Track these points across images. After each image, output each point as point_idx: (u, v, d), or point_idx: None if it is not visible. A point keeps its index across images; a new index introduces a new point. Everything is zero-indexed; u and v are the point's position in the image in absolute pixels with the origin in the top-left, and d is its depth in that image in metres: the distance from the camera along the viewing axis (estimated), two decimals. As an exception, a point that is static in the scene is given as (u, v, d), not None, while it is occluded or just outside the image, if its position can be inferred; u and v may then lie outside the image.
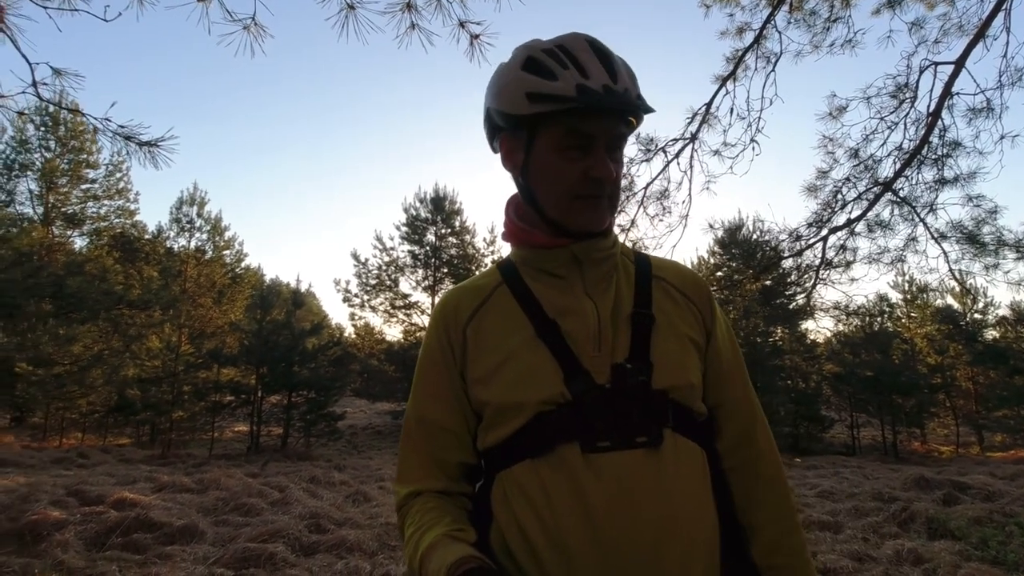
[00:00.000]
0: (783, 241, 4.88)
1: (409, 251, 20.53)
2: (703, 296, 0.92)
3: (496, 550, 0.80)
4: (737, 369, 0.92)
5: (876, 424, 16.08)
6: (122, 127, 2.03)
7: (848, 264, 4.81)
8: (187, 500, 5.79)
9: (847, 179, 4.68)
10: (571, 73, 0.80)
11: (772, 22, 4.39)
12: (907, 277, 18.30)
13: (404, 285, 20.56)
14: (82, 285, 12.41)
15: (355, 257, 20.63)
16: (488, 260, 20.52)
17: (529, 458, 0.79)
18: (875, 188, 4.53)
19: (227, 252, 20.66)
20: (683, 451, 0.80)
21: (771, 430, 0.93)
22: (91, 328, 12.59)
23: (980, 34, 4.03)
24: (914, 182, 4.47)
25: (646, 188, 4.60)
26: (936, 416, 17.01)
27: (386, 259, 20.59)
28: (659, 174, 4.61)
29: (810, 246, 4.77)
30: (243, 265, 21.95)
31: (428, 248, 20.37)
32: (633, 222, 4.67)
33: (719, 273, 16.98)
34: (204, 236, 19.08)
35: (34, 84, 1.95)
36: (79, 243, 17.76)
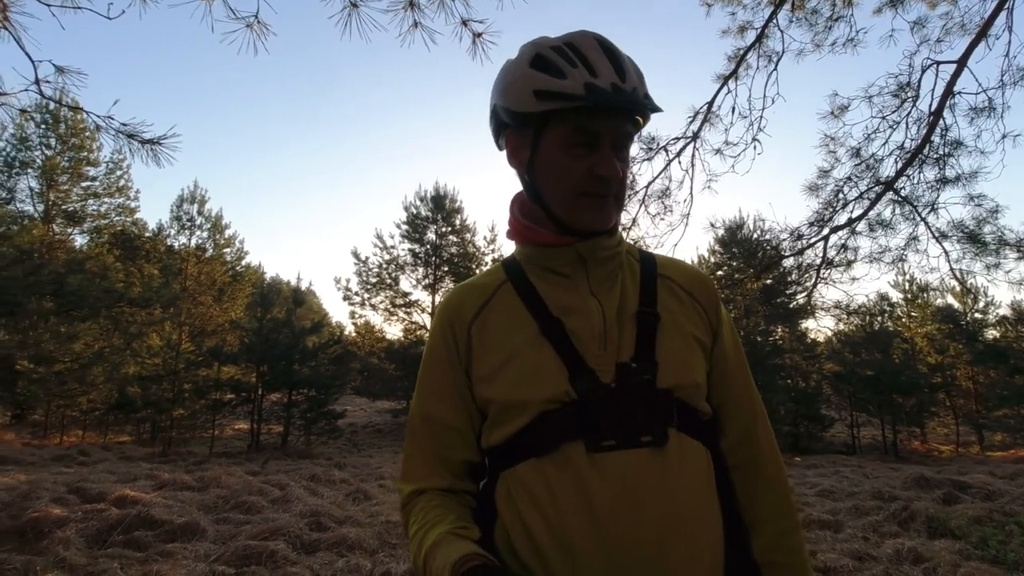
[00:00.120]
0: (784, 240, 4.88)
1: (409, 249, 20.54)
2: (709, 295, 0.92)
3: (500, 548, 0.80)
4: (740, 369, 0.93)
5: (876, 423, 16.09)
6: (124, 125, 2.03)
7: (849, 263, 4.81)
8: (188, 498, 5.80)
9: (848, 178, 4.68)
10: (580, 71, 0.79)
11: (774, 21, 4.38)
12: (908, 276, 18.30)
13: (404, 283, 20.61)
14: (83, 283, 12.41)
15: (355, 255, 20.66)
16: (488, 258, 20.52)
17: (534, 456, 0.79)
18: (876, 187, 4.53)
19: (228, 250, 20.69)
20: (687, 450, 0.80)
21: (772, 429, 0.94)
22: (92, 326, 12.61)
23: (982, 33, 4.02)
24: (915, 181, 4.47)
25: (647, 187, 4.60)
26: (936, 415, 17.03)
27: (386, 257, 20.61)
28: (660, 173, 4.61)
29: (811, 245, 4.77)
30: (243, 263, 21.98)
31: (428, 246, 20.36)
32: (634, 221, 4.67)
33: (720, 272, 16.99)
34: (205, 234, 19.12)
35: (37, 82, 1.95)
36: (79, 241, 17.79)
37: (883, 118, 4.55)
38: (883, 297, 18.01)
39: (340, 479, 7.60)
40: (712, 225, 5.77)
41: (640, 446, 0.77)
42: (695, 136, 4.57)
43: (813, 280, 4.88)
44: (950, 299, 17.28)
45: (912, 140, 4.44)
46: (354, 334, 22.23)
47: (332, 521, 5.16)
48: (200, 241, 18.93)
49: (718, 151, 4.60)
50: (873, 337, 16.45)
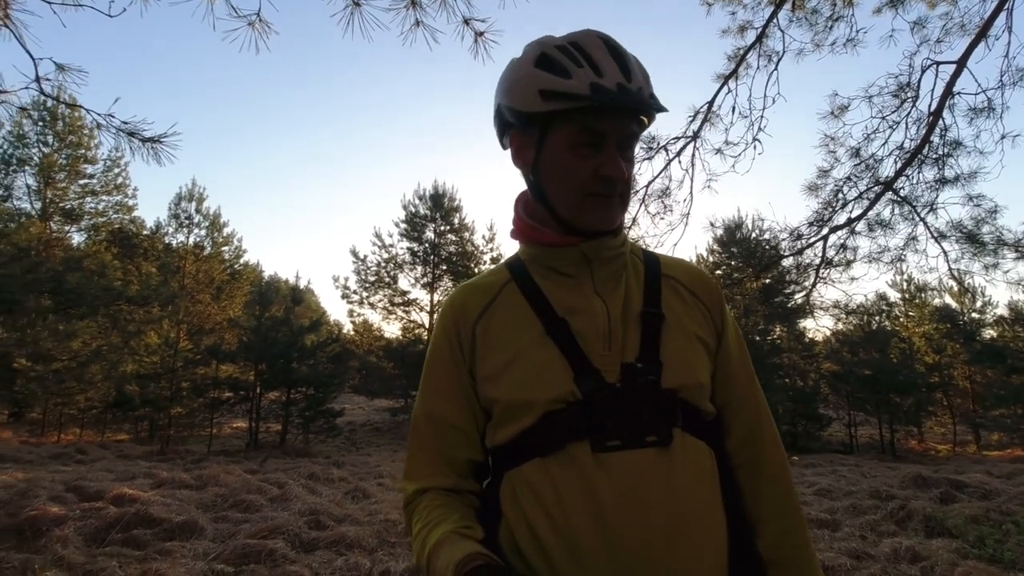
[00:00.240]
0: (784, 240, 4.89)
1: (408, 248, 20.51)
2: (713, 296, 0.93)
3: (506, 548, 0.80)
4: (744, 369, 0.93)
5: (874, 422, 16.12)
6: (125, 123, 2.02)
7: (848, 263, 4.82)
8: (186, 496, 5.79)
9: (848, 178, 4.68)
10: (585, 71, 0.79)
11: (775, 20, 4.38)
12: (906, 276, 18.33)
13: (403, 282, 20.58)
14: (81, 281, 12.39)
15: (354, 254, 20.62)
16: (487, 257, 20.50)
17: (539, 456, 0.79)
18: (876, 187, 4.53)
19: (226, 248, 20.62)
20: (692, 450, 0.80)
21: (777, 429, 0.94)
22: (90, 324, 12.58)
23: (982, 34, 4.03)
24: (915, 181, 4.48)
25: (647, 186, 4.60)
26: (933, 415, 17.07)
27: (385, 256, 20.58)
28: (660, 172, 4.61)
29: (810, 245, 4.78)
30: (242, 261, 21.92)
31: (427, 245, 20.34)
32: (634, 220, 4.67)
33: (719, 272, 17.01)
34: (203, 232, 19.03)
35: (37, 79, 1.94)
36: (77, 239, 17.74)
37: (883, 118, 4.56)
38: (881, 297, 18.06)
39: (339, 477, 7.60)
40: (712, 225, 5.78)
41: (645, 446, 0.77)
42: (695, 136, 4.57)
43: (812, 280, 4.89)
44: (948, 299, 17.34)
45: (912, 140, 4.45)
46: (352, 333, 22.19)
47: (331, 520, 5.17)
48: (198, 239, 18.87)
49: (718, 151, 4.61)
50: (871, 337, 16.48)
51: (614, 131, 0.81)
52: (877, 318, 17.42)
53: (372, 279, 20.52)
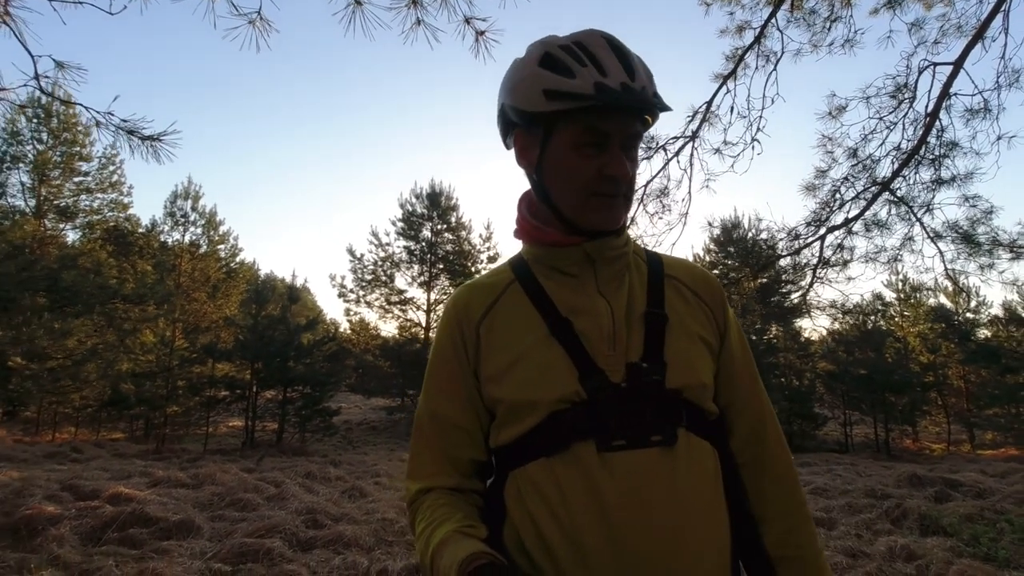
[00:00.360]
0: (781, 239, 4.91)
1: (405, 247, 20.49)
2: (715, 296, 0.93)
3: (510, 547, 0.80)
4: (747, 369, 0.93)
5: (869, 422, 16.19)
6: (125, 121, 2.01)
7: (845, 263, 4.84)
8: (183, 495, 5.77)
9: (846, 178, 4.70)
10: (589, 71, 0.79)
11: (773, 21, 4.39)
12: (901, 276, 18.40)
13: (400, 281, 20.56)
14: (77, 279, 12.31)
15: (351, 252, 20.58)
16: (484, 256, 20.49)
17: (543, 456, 0.79)
18: (873, 188, 4.56)
19: (222, 246, 20.53)
20: (696, 450, 0.80)
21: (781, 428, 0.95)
22: (85, 322, 12.50)
23: (979, 35, 4.05)
24: (911, 182, 4.51)
25: (646, 186, 4.61)
26: (928, 414, 17.14)
27: (382, 254, 20.55)
28: (659, 172, 4.62)
29: (808, 245, 4.80)
30: (238, 260, 21.85)
31: (424, 244, 20.32)
32: (632, 219, 4.68)
33: (715, 271, 17.04)
34: (199, 230, 18.95)
35: (36, 77, 1.93)
36: (71, 236, 17.63)
37: (880, 119, 4.58)
38: (877, 296, 18.13)
39: (335, 476, 7.59)
40: (710, 224, 5.79)
41: (650, 446, 0.77)
42: (694, 136, 4.58)
43: (809, 280, 4.91)
44: (943, 299, 17.43)
45: (909, 141, 4.47)
46: (349, 331, 22.17)
47: (328, 518, 5.16)
48: (194, 237, 18.79)
49: (717, 151, 4.62)
50: (866, 336, 16.54)
51: (618, 130, 0.81)
52: (873, 318, 17.49)
53: (369, 278, 20.49)
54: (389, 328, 23.37)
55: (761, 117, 4.48)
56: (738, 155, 4.54)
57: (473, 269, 20.17)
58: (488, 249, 20.48)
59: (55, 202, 16.95)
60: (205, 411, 14.38)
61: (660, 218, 4.67)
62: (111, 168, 17.81)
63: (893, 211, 4.64)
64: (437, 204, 20.38)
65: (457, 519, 0.79)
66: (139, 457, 9.98)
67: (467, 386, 0.87)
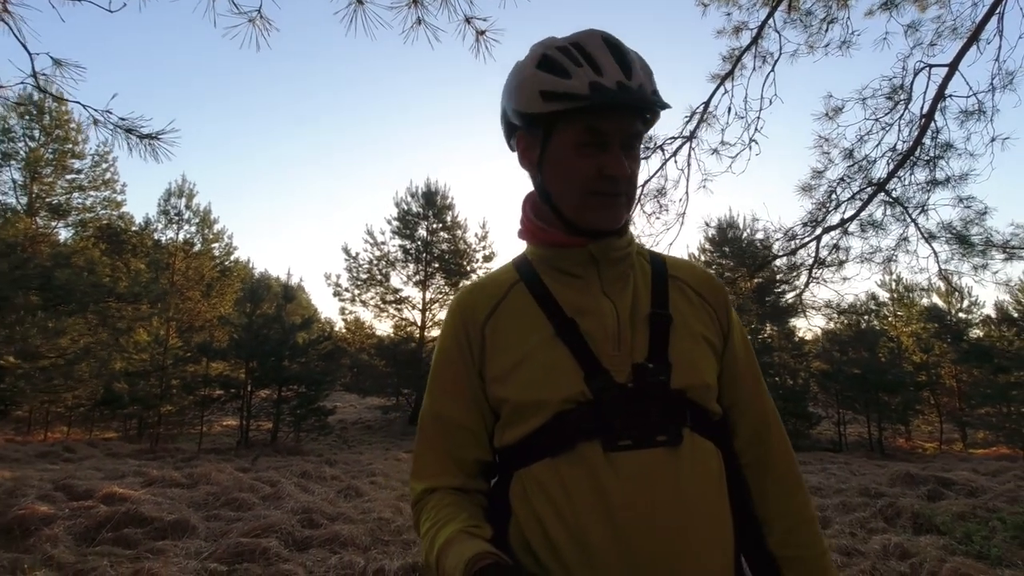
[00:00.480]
0: (778, 240, 4.93)
1: (400, 245, 20.44)
2: (719, 297, 0.93)
3: (516, 546, 0.80)
4: (750, 370, 0.94)
5: (862, 421, 16.29)
6: (123, 120, 1.99)
7: (841, 263, 4.87)
8: (177, 495, 5.75)
9: (841, 179, 4.73)
10: (585, 71, 0.80)
11: (770, 22, 4.41)
12: (895, 276, 18.51)
13: (395, 280, 20.51)
14: (70, 277, 12.21)
15: (346, 251, 20.52)
16: (480, 255, 20.48)
17: (549, 456, 0.79)
18: (869, 188, 4.58)
19: (216, 245, 20.42)
20: (700, 450, 0.81)
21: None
22: (78, 321, 12.41)
23: (973, 37, 4.07)
24: (907, 183, 4.54)
25: (643, 186, 4.62)
26: (921, 413, 17.27)
27: (377, 253, 20.50)
28: (656, 172, 4.63)
29: (804, 245, 4.82)
30: (232, 258, 21.72)
31: (419, 243, 20.28)
32: (630, 219, 4.69)
33: (711, 271, 17.07)
34: (193, 229, 18.85)
35: (34, 75, 1.91)
36: (64, 235, 17.48)
37: (876, 120, 4.60)
38: (871, 297, 18.24)
39: (331, 476, 7.57)
40: (707, 224, 5.82)
41: (656, 446, 0.78)
42: (691, 136, 4.59)
43: (805, 279, 4.93)
44: (936, 299, 17.54)
45: (904, 142, 4.49)
46: (344, 330, 22.09)
47: (324, 518, 5.15)
48: (188, 236, 18.67)
49: (714, 151, 4.63)
50: (860, 336, 16.64)
51: (617, 130, 0.81)
52: (866, 318, 17.59)
53: (364, 277, 20.44)
54: (384, 327, 23.42)
55: (759, 118, 4.50)
56: (736, 156, 4.56)
57: (468, 268, 20.15)
58: (483, 248, 20.49)
59: (47, 200, 16.80)
60: (199, 410, 14.32)
61: (657, 218, 4.68)
62: (104, 166, 17.67)
63: (888, 212, 4.67)
64: (433, 203, 20.35)
65: (462, 519, 0.79)
66: (133, 457, 9.92)
67: (472, 386, 0.87)
